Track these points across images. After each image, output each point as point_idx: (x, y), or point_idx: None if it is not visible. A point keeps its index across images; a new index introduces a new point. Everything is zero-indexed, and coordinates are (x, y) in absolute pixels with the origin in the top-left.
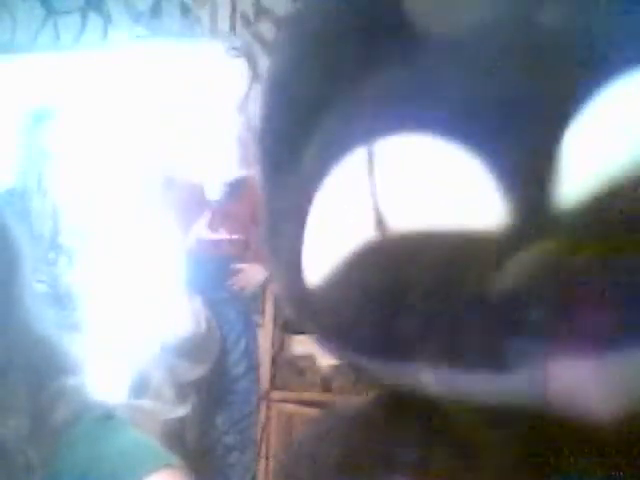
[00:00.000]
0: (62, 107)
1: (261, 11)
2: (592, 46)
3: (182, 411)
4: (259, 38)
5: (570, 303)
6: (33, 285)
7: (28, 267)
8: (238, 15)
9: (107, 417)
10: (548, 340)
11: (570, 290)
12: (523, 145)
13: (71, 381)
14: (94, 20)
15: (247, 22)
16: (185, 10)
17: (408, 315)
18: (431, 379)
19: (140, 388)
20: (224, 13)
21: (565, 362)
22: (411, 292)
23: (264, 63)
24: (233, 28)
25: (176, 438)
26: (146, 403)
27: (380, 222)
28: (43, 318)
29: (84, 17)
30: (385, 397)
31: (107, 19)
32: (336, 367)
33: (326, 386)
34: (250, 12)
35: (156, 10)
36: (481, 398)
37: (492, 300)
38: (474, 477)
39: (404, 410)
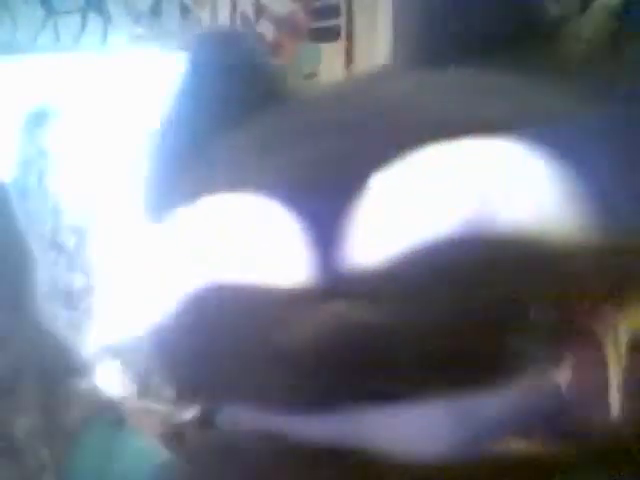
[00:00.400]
0: (62, 107)
1: (261, 11)
2: (395, 115)
3: (188, 415)
4: (259, 38)
5: (367, 362)
6: (43, 286)
7: (38, 267)
8: (238, 15)
9: (118, 421)
10: (350, 388)
11: (367, 349)
12: (328, 207)
13: (82, 383)
14: (94, 20)
15: (247, 22)
16: (185, 10)
17: (222, 362)
18: (249, 422)
19: (143, 389)
20: (224, 13)
21: (370, 411)
22: (224, 340)
23: None
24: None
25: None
26: (152, 405)
27: (202, 272)
28: (54, 319)
29: (84, 17)
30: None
31: (107, 19)
32: None
33: None
34: (250, 12)
35: (156, 10)
36: (302, 440)
37: (293, 351)
38: None
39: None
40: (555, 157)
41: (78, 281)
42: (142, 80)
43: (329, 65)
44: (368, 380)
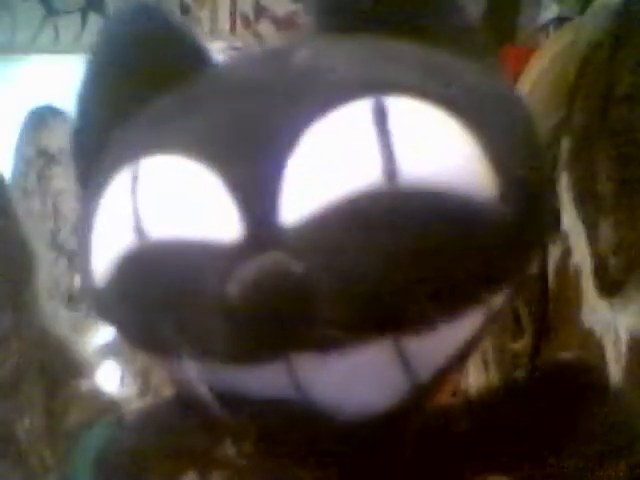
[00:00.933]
0: (62, 107)
1: (261, 11)
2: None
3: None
4: (259, 38)
5: (294, 310)
6: (44, 286)
7: (38, 267)
8: (238, 15)
9: (120, 422)
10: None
11: (292, 297)
12: (256, 167)
13: (84, 384)
14: (94, 20)
15: (247, 22)
16: (185, 10)
17: (163, 315)
18: (194, 375)
19: (143, 389)
20: (224, 13)
21: (304, 361)
22: (164, 294)
23: None
24: (233, 28)
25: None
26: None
27: (139, 231)
28: (55, 320)
29: (84, 17)
30: (174, 397)
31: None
32: None
33: None
34: (250, 12)
35: None
36: (242, 391)
37: (229, 303)
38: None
39: (190, 408)
40: (461, 116)
41: (78, 281)
42: None
43: None
44: (300, 328)
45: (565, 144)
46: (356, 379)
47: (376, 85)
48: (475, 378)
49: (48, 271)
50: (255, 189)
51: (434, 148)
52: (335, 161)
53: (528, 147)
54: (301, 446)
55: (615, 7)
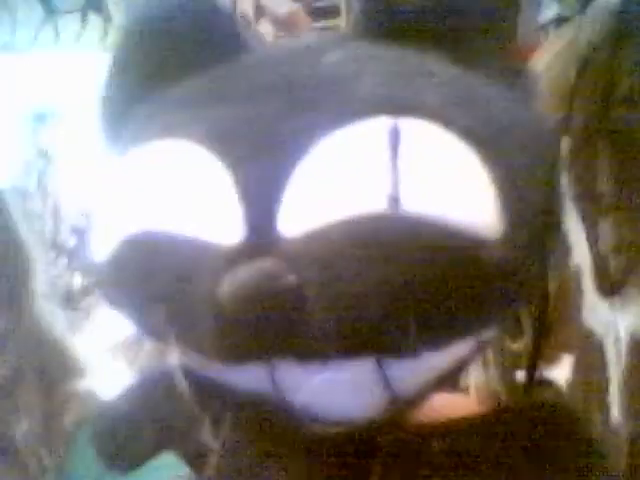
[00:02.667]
0: (62, 107)
1: (261, 11)
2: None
3: None
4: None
5: (281, 319)
6: (42, 287)
7: (36, 267)
8: (238, 15)
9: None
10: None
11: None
12: (265, 170)
13: (81, 384)
14: (94, 20)
15: (247, 22)
16: None
17: (156, 303)
18: (175, 363)
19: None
20: None
21: (286, 367)
22: (156, 287)
23: None
24: None
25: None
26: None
27: (145, 216)
28: (53, 320)
29: (84, 17)
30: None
31: (107, 19)
32: None
33: None
34: (250, 12)
35: None
36: (222, 384)
37: (219, 303)
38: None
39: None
40: (479, 149)
41: (78, 281)
42: None
43: None
44: (285, 337)
45: (565, 144)
46: (335, 391)
47: (397, 105)
48: (475, 378)
49: (45, 271)
50: (260, 193)
51: (444, 178)
52: (342, 178)
53: (543, 190)
54: (275, 443)
55: (615, 7)
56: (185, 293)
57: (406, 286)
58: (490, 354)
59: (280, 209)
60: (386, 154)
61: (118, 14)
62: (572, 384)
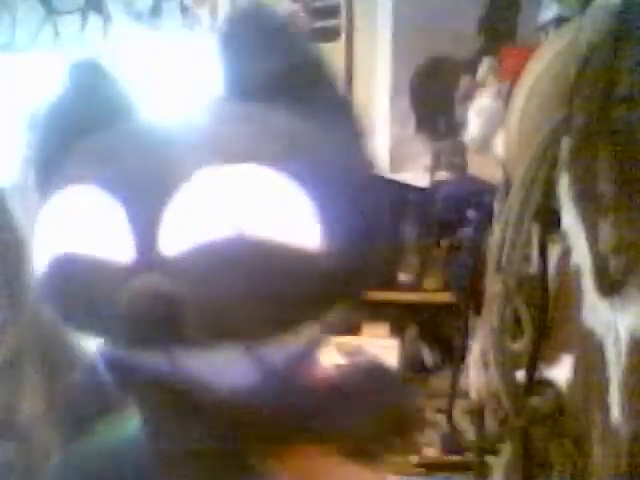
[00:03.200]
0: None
1: None
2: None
3: None
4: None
5: (164, 317)
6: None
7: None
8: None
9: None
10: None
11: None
12: (145, 207)
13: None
14: (94, 20)
15: None
16: (185, 10)
17: (77, 305)
18: (96, 349)
19: None
20: (224, 12)
21: (178, 351)
22: (77, 292)
23: None
24: None
25: None
26: None
27: (61, 244)
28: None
29: (84, 17)
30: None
31: (107, 19)
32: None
33: None
34: None
35: (156, 10)
36: (135, 367)
37: (120, 307)
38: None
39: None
40: (303, 186)
41: None
42: (142, 79)
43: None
44: (173, 330)
45: (565, 144)
46: (217, 367)
47: (242, 155)
48: (475, 378)
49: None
50: (144, 224)
51: (277, 210)
52: (200, 212)
53: (355, 213)
54: (175, 408)
55: (615, 7)
56: (96, 298)
57: (251, 290)
58: (490, 354)
59: (159, 236)
60: (231, 192)
61: (118, 14)
62: (572, 384)
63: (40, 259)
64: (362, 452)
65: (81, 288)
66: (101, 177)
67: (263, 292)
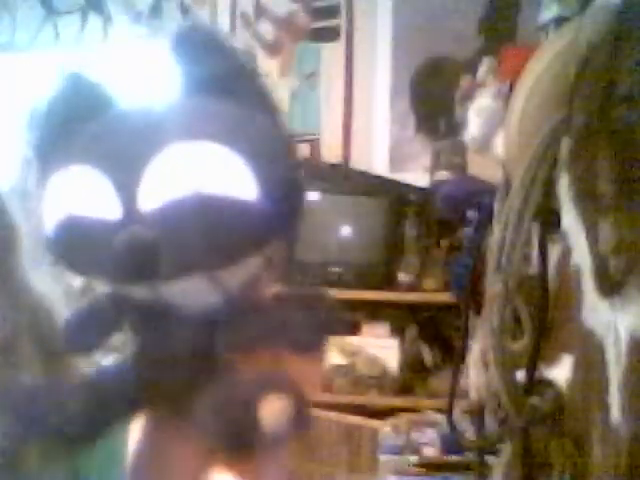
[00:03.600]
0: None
1: (261, 11)
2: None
3: None
4: (259, 38)
5: (147, 258)
6: (43, 286)
7: (28, 244)
8: (238, 15)
9: None
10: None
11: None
12: (127, 176)
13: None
14: (94, 20)
15: (247, 22)
16: (185, 10)
17: (81, 256)
18: (101, 289)
19: None
20: (224, 13)
21: (160, 283)
22: (80, 246)
23: (263, 63)
24: (233, 28)
25: None
26: None
27: (65, 209)
28: (50, 294)
29: (84, 17)
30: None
31: (107, 19)
32: (336, 367)
33: (326, 386)
34: (250, 12)
35: (156, 10)
36: (133, 298)
37: (115, 252)
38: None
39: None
40: (242, 155)
41: (78, 280)
42: (142, 79)
43: (329, 65)
44: (154, 267)
45: (565, 144)
46: (189, 293)
47: (197, 134)
48: (475, 378)
49: (46, 271)
50: (127, 188)
51: (222, 173)
52: (169, 177)
53: (280, 172)
54: (160, 326)
55: (615, 7)
56: (93, 248)
57: (205, 233)
58: (490, 354)
59: (139, 197)
60: (189, 162)
61: (118, 14)
62: (572, 384)
63: (49, 223)
64: (303, 346)
65: (82, 242)
66: (92, 157)
67: (217, 234)
